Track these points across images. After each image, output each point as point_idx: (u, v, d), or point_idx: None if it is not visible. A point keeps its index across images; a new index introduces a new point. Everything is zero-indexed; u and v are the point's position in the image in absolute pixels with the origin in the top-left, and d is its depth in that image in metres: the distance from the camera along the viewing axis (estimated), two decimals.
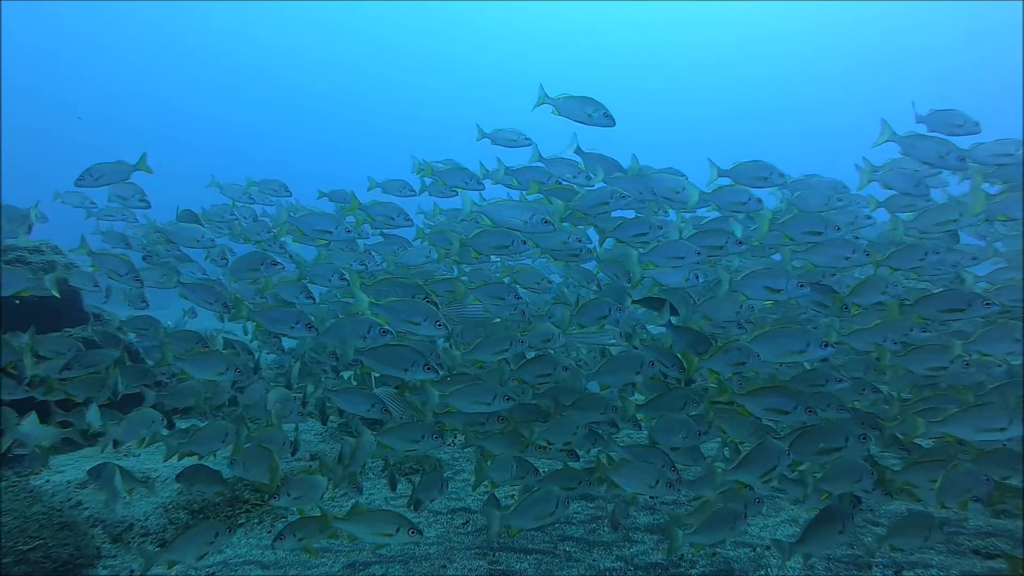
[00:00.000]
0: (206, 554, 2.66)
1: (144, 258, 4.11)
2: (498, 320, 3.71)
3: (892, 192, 3.78)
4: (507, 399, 3.10)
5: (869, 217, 3.85)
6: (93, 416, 3.17)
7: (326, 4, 47.10)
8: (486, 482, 3.25)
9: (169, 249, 4.08)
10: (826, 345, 2.93)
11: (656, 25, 48.85)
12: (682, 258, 3.41)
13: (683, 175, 4.07)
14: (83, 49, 46.75)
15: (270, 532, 3.62)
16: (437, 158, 4.33)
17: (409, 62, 50.83)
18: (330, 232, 3.93)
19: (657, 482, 2.84)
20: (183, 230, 3.85)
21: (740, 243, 3.55)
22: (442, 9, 48.25)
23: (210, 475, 3.22)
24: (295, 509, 3.21)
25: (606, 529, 3.57)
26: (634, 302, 3.82)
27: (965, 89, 40.35)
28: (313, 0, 46.58)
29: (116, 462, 3.23)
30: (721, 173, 3.89)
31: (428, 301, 3.28)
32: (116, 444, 3.31)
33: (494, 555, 3.27)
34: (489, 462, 3.23)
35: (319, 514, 2.74)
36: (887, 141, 3.71)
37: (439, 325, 3.06)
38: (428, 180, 4.18)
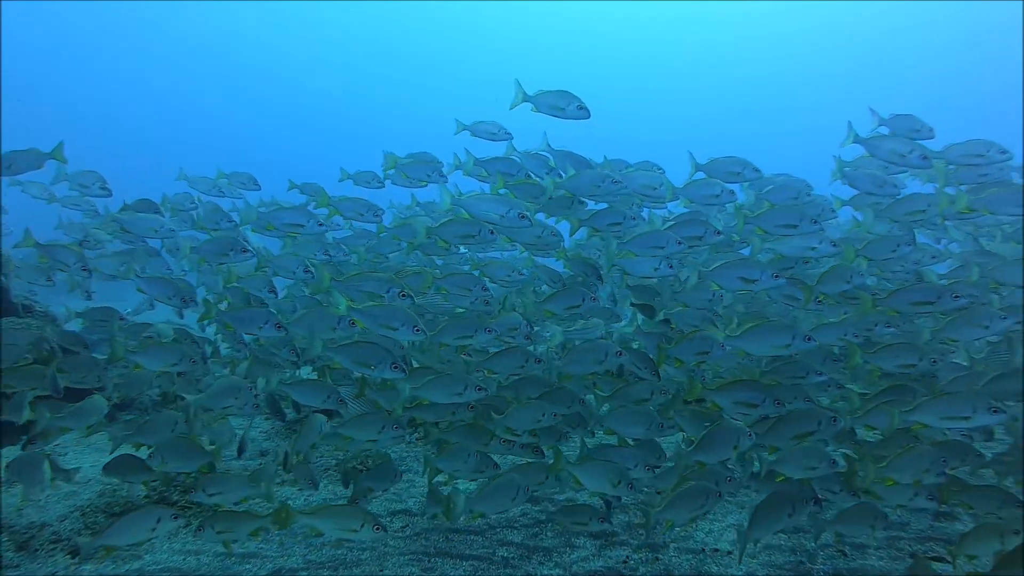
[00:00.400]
0: (148, 541, 2.51)
1: (80, 243, 3.96)
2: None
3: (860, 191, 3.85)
4: (479, 389, 3.05)
5: (833, 211, 3.89)
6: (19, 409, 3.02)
7: (327, 4, 47.30)
8: (444, 476, 3.17)
9: (128, 239, 3.93)
10: (809, 339, 2.98)
11: (656, 25, 49.01)
12: (662, 247, 3.41)
13: (661, 169, 4.08)
14: (81, 49, 46.56)
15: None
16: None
17: (410, 62, 50.76)
18: (301, 226, 3.85)
19: (619, 482, 2.81)
20: (140, 220, 3.71)
21: (718, 233, 3.55)
22: (442, 9, 48.33)
23: (140, 466, 3.00)
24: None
25: (548, 534, 3.46)
26: (632, 305, 3.85)
27: (965, 89, 41.17)
28: (314, 0, 46.80)
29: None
30: (698, 168, 3.89)
31: (403, 295, 3.22)
32: (44, 435, 3.16)
33: (429, 560, 3.13)
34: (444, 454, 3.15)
35: (275, 508, 2.64)
36: (853, 142, 3.78)
37: (417, 330, 3.02)
38: (392, 172, 4.11)
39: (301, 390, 3.11)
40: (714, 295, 3.44)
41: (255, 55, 49.33)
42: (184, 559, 3.14)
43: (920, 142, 3.64)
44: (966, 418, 2.64)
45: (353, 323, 3.07)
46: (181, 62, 48.36)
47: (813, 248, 3.44)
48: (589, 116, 3.83)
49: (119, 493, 3.61)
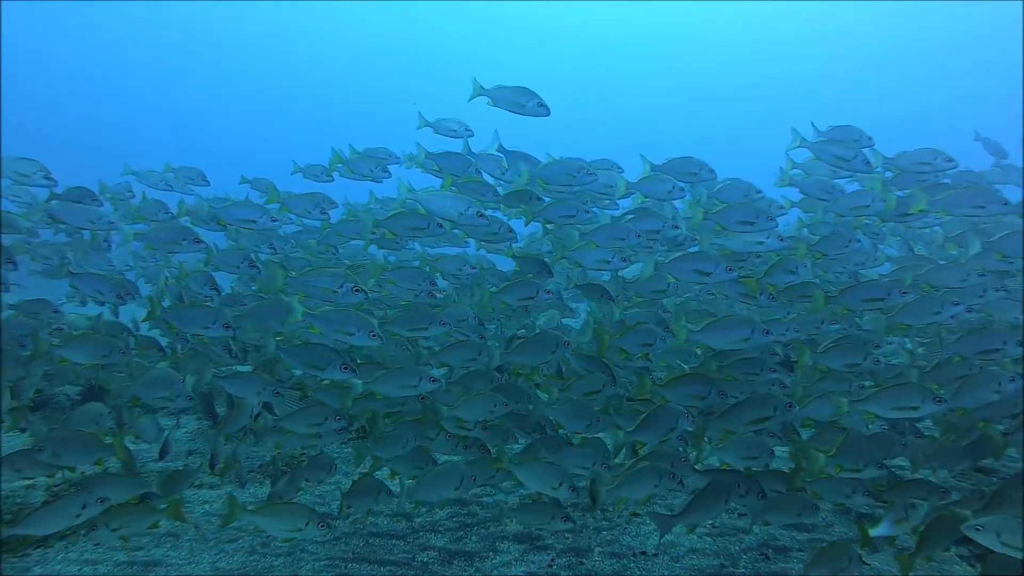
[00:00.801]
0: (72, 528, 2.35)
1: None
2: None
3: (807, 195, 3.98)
4: (433, 380, 2.99)
5: (782, 208, 4.00)
6: None
7: (325, 5, 47.21)
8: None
9: (64, 230, 3.76)
10: (767, 332, 3.09)
11: (664, 27, 49.16)
12: (623, 239, 3.46)
13: (621, 169, 4.10)
14: (65, 48, 45.68)
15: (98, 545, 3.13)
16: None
17: (410, 67, 50.77)
18: (254, 221, 3.75)
19: (560, 484, 2.77)
20: (74, 210, 3.54)
21: (676, 227, 3.64)
22: (458, 9, 48.49)
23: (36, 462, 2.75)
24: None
25: (473, 538, 3.35)
26: (576, 285, 3.90)
27: (966, 89, 41.85)
28: (314, 1, 46.64)
29: None
30: (653, 168, 3.92)
31: (356, 290, 3.16)
32: None
33: (346, 566, 3.00)
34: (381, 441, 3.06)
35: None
36: (799, 146, 3.90)
37: (373, 336, 2.99)
38: (340, 166, 4.08)
39: (236, 383, 2.98)
40: (669, 286, 3.47)
41: (252, 58, 48.74)
42: (80, 569, 2.89)
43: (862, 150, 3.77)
44: (915, 408, 2.70)
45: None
46: (180, 65, 47.95)
47: (760, 243, 3.47)
48: (549, 113, 3.83)
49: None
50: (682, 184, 3.71)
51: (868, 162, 3.74)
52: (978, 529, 2.11)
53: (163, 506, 2.57)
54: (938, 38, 43.90)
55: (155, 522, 2.48)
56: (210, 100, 48.56)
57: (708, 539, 3.32)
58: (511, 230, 3.69)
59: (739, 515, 3.56)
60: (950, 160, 3.73)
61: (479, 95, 3.83)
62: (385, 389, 3.00)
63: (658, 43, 50.36)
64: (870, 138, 3.89)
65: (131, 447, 3.05)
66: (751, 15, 46.85)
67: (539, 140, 4.06)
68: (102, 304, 3.73)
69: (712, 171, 3.95)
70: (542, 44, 51.39)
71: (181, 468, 3.70)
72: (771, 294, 3.41)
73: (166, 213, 3.72)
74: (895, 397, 2.72)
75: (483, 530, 3.42)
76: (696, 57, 49.16)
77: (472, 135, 4.08)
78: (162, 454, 3.61)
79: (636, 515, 3.56)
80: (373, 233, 3.50)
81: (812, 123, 4.03)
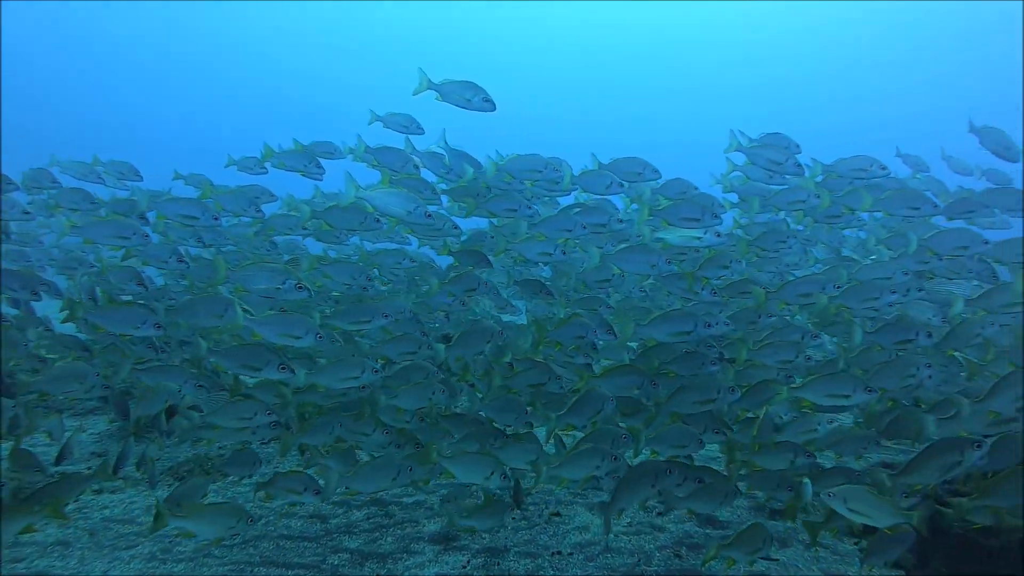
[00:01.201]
0: None
1: None
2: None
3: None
4: (375, 372, 2.96)
5: (723, 206, 4.14)
6: None
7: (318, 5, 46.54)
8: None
9: None
10: (709, 325, 3.16)
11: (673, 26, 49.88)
12: (570, 231, 3.56)
13: (569, 166, 4.14)
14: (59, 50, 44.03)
15: None
16: None
17: (403, 67, 50.23)
18: (196, 218, 3.60)
19: (492, 473, 2.78)
20: None
21: (621, 221, 3.73)
22: (457, 9, 48.24)
23: None
24: None
25: (389, 539, 3.30)
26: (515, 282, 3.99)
27: (966, 89, 42.66)
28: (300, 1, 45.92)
29: None
30: (600, 167, 3.99)
31: (299, 287, 3.07)
32: None
33: (252, 570, 2.89)
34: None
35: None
36: (736, 150, 4.04)
37: (320, 337, 2.92)
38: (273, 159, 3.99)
39: (155, 374, 2.84)
40: (614, 277, 3.54)
41: (248, 60, 48.75)
42: None
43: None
44: (847, 396, 2.81)
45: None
46: (161, 65, 46.80)
47: (698, 238, 3.55)
48: (495, 108, 3.83)
49: None
50: (621, 181, 3.78)
51: (799, 165, 3.90)
52: (831, 495, 2.36)
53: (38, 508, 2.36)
54: (938, 38, 45.21)
55: (28, 525, 2.29)
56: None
57: (624, 537, 3.34)
58: (456, 227, 3.69)
59: (658, 513, 3.62)
60: (884, 168, 3.93)
61: (427, 89, 3.78)
62: (327, 380, 2.94)
63: (658, 43, 51.29)
64: (798, 145, 4.06)
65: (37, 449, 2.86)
66: (751, 15, 47.84)
67: (537, 141, 4.05)
68: (16, 303, 3.51)
69: (656, 171, 4.05)
70: (546, 44, 51.51)
71: (76, 472, 3.48)
72: (713, 290, 3.48)
73: (91, 203, 3.53)
74: (829, 385, 2.81)
75: (399, 531, 3.36)
76: (696, 57, 50.19)
77: (422, 132, 4.04)
78: (60, 458, 3.36)
79: (557, 515, 3.57)
80: (305, 228, 3.40)
81: (742, 132, 4.12)
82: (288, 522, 3.38)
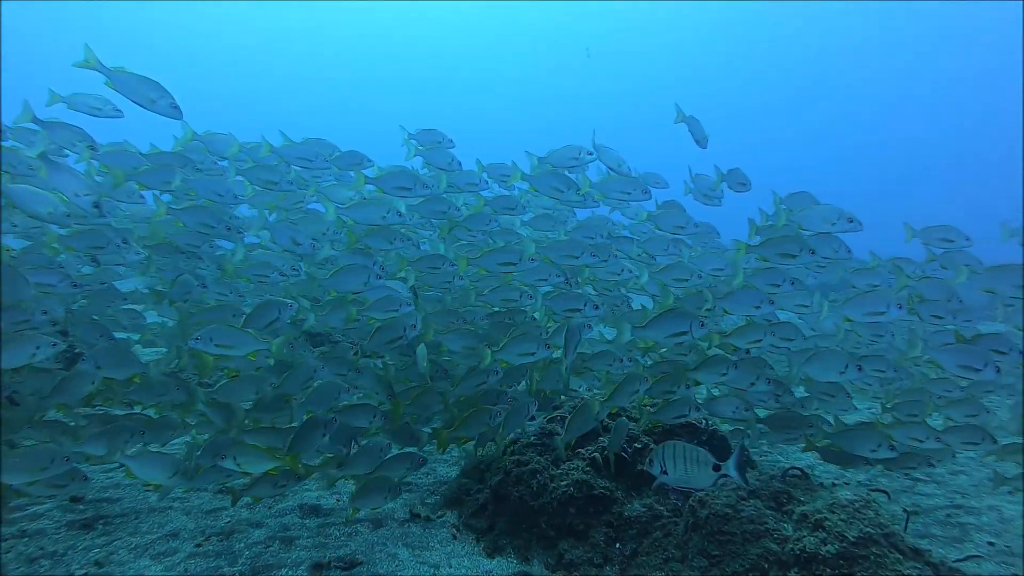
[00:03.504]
0: None
1: None
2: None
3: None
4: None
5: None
6: None
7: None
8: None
9: None
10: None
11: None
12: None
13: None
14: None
15: None
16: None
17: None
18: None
19: (175, 472, 2.99)
20: None
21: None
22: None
23: None
24: None
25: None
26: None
27: (966, 89, 43.05)
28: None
29: None
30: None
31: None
32: None
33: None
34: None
35: None
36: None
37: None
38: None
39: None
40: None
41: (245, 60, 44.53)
42: None
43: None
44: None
45: None
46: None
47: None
48: (181, 116, 3.47)
49: None
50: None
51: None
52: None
53: None
54: (938, 38, 45.56)
55: None
56: None
57: (216, 538, 3.26)
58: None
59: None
60: (591, 153, 4.24)
61: (94, 68, 3.22)
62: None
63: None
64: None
65: None
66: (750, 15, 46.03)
67: (539, 140, 4.21)
68: None
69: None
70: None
71: None
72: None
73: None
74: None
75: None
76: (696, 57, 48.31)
77: (121, 115, 3.77)
78: None
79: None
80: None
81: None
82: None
